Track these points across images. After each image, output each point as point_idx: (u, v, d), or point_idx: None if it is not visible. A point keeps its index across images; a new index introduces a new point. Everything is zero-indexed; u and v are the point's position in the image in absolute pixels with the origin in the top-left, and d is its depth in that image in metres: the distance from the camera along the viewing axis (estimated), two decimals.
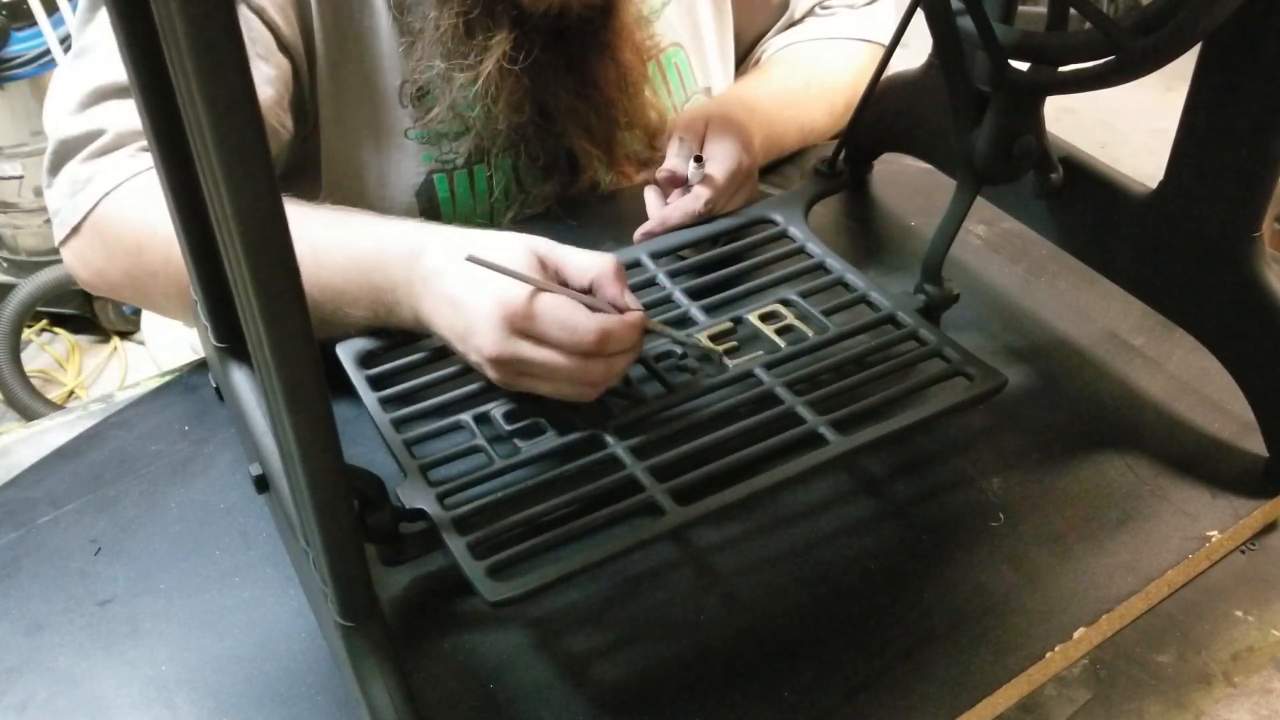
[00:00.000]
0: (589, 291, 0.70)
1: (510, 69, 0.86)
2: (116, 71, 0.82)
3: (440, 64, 0.88)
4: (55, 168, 0.85)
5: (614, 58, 0.92)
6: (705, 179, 0.86)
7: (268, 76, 0.86)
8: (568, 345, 0.67)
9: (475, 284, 0.68)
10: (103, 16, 0.85)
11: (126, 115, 0.83)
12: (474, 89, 0.87)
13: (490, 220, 0.99)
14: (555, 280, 0.70)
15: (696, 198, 0.86)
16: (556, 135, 0.94)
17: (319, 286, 0.73)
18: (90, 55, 0.85)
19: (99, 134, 0.83)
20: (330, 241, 0.75)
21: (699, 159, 0.87)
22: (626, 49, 0.93)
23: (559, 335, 0.67)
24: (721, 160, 0.87)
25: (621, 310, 0.69)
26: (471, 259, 0.68)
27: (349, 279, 0.74)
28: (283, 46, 0.87)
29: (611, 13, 0.90)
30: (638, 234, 0.86)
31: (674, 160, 0.89)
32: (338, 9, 0.88)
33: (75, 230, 0.83)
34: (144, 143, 0.83)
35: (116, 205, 0.81)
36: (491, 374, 0.70)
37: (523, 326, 0.67)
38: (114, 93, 0.84)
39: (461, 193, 0.96)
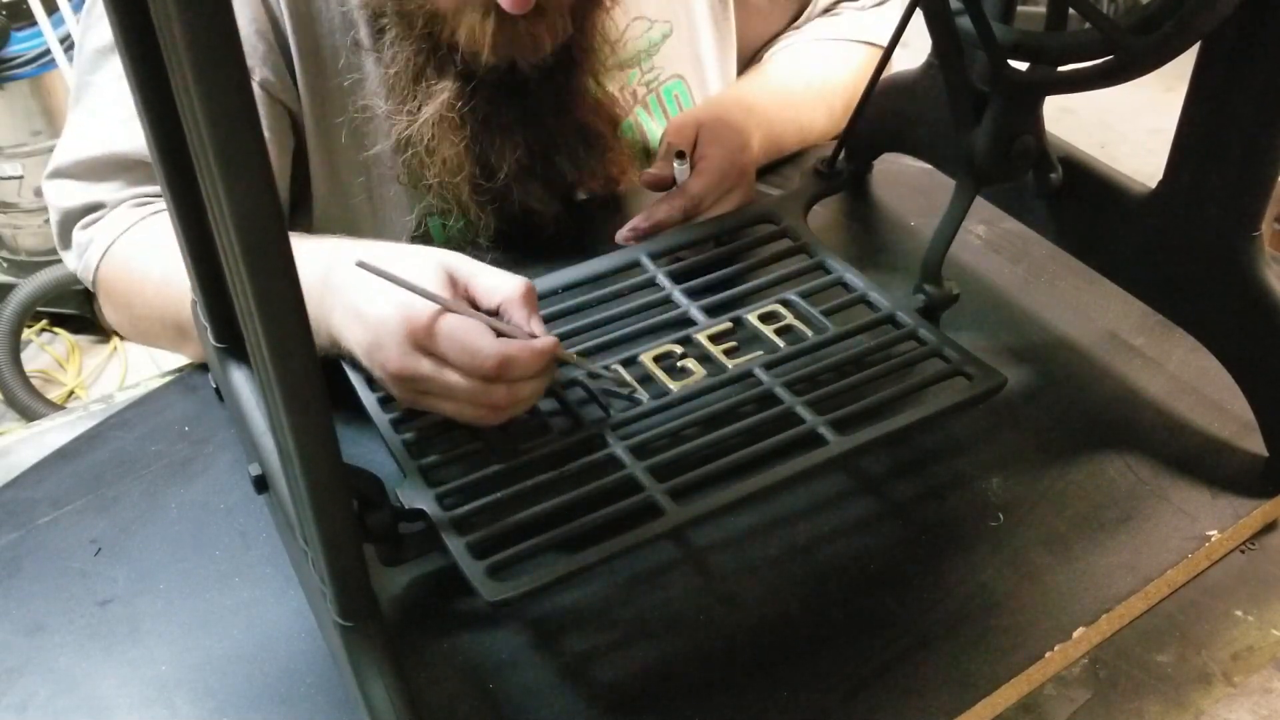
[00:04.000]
0: (496, 312, 0.68)
1: (450, 117, 0.84)
2: (120, 141, 0.85)
3: (383, 105, 0.87)
4: (63, 236, 0.90)
5: (572, 116, 0.90)
6: (693, 177, 0.86)
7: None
8: (467, 368, 0.65)
9: (382, 298, 0.66)
10: (105, 74, 0.86)
11: (125, 188, 0.86)
12: (408, 134, 0.86)
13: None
14: (465, 298, 0.68)
15: (682, 193, 0.86)
16: (500, 193, 0.90)
17: None
18: (96, 119, 0.87)
19: (99, 206, 0.87)
20: None
21: (681, 155, 0.87)
22: (584, 108, 0.90)
23: (459, 357, 0.65)
24: (712, 159, 0.87)
25: (530, 336, 0.67)
26: (361, 265, 0.65)
27: None
28: (276, 99, 0.87)
29: (569, 71, 0.88)
30: (622, 231, 0.86)
31: (660, 164, 0.89)
32: (320, 58, 0.88)
33: (93, 288, 0.88)
34: (140, 200, 0.86)
35: (111, 261, 0.85)
36: (395, 390, 0.68)
37: (425, 344, 0.65)
38: (115, 166, 0.86)
39: (455, 235, 0.95)
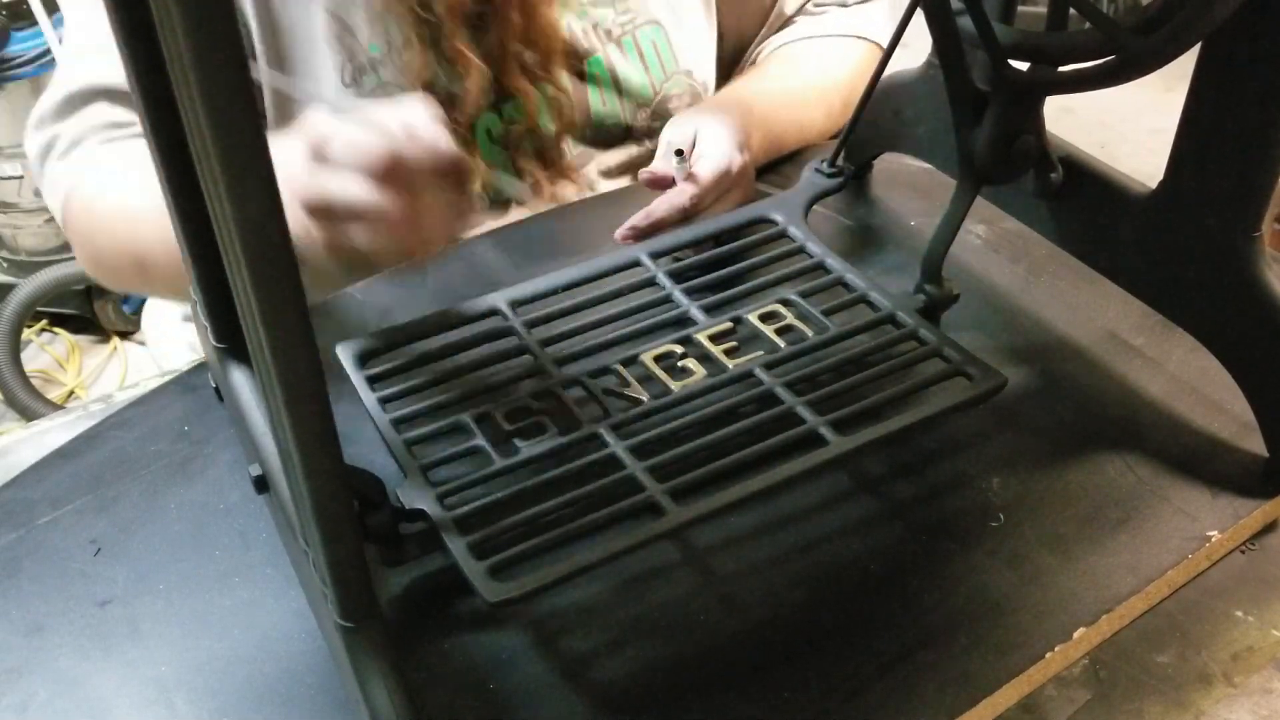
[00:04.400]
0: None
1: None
2: (83, 74, 0.86)
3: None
4: (39, 178, 0.91)
5: (530, 40, 0.92)
6: (691, 175, 0.86)
7: None
8: (359, 168, 0.64)
9: (289, 138, 0.67)
10: (78, 12, 0.87)
11: (93, 118, 0.86)
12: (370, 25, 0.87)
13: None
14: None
15: (681, 192, 0.86)
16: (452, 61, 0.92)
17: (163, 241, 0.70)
18: (66, 60, 0.89)
19: (55, 139, 0.87)
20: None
21: (680, 154, 0.87)
22: (537, 33, 0.93)
23: (350, 155, 0.64)
24: (710, 158, 0.87)
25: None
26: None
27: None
28: None
29: None
30: (622, 230, 0.86)
31: (659, 162, 0.89)
32: (273, 20, 0.88)
33: (63, 228, 0.90)
34: (107, 129, 0.86)
35: (75, 197, 0.86)
36: (313, 228, 0.67)
37: (320, 150, 0.65)
38: (81, 98, 0.86)
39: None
